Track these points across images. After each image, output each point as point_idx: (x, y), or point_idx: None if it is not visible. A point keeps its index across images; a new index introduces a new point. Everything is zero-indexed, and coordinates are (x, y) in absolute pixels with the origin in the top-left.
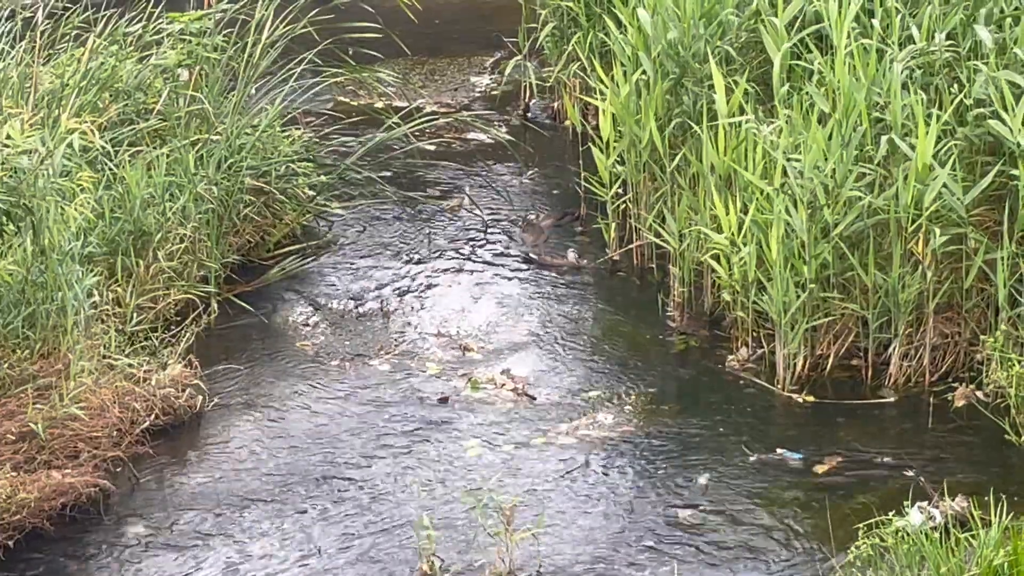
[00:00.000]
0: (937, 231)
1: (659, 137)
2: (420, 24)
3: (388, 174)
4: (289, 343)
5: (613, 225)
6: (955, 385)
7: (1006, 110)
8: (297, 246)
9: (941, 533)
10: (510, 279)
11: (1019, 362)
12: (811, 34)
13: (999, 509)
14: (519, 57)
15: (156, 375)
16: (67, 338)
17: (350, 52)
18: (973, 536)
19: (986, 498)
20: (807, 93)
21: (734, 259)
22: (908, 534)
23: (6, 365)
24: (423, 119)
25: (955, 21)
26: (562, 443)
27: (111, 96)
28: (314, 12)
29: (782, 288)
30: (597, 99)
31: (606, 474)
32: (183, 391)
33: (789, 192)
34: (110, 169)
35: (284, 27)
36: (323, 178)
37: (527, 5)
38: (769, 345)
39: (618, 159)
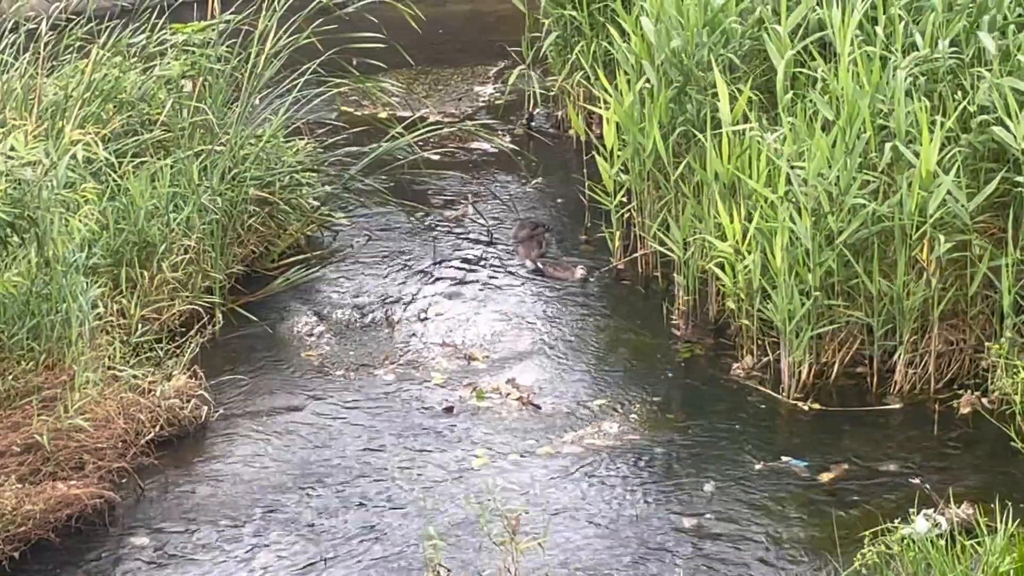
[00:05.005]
0: (941, 238)
1: (663, 145)
2: (424, 34)
3: (392, 184)
4: (294, 353)
5: (617, 234)
6: (960, 392)
7: (1010, 117)
8: (302, 256)
9: (947, 540)
10: (514, 288)
11: None
12: (815, 42)
13: (1005, 516)
14: (523, 66)
15: (161, 386)
16: (72, 349)
17: (354, 62)
18: (979, 543)
19: (992, 505)
20: (811, 101)
21: (738, 267)
22: (914, 541)
23: (11, 377)
24: (427, 129)
25: (958, 28)
26: (567, 452)
27: (115, 107)
28: (318, 22)
29: (787, 296)
30: (601, 108)
31: (612, 483)
32: (188, 402)
33: (793, 200)
34: (114, 180)
35: (288, 38)
36: (327, 188)
37: (531, 15)
38: (774, 353)
39: (622, 168)
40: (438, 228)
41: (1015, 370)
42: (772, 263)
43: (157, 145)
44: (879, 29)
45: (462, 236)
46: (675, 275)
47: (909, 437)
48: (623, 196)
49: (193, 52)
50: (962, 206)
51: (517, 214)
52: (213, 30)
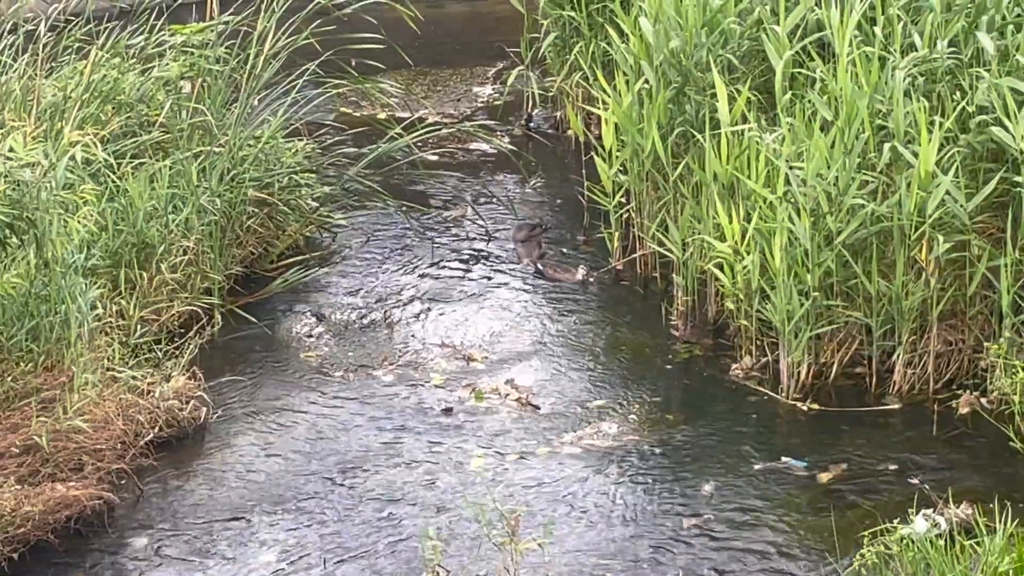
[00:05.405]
0: (940, 238)
1: (662, 146)
2: (423, 35)
3: (391, 185)
4: (293, 354)
5: (616, 234)
6: (959, 392)
7: (1008, 117)
8: (300, 257)
9: (946, 540)
10: (513, 289)
11: (1023, 369)
12: (813, 42)
13: (1004, 516)
14: (521, 67)
15: (160, 387)
16: (71, 351)
17: (353, 63)
18: (978, 543)
19: (991, 505)
20: (809, 101)
21: (737, 268)
22: (913, 541)
23: (10, 378)
24: (426, 130)
25: (957, 28)
26: (567, 453)
27: (114, 108)
28: (316, 23)
29: (786, 296)
30: (600, 108)
31: (611, 484)
32: (187, 403)
33: (792, 200)
34: (113, 181)
35: (286, 39)
36: (326, 189)
37: (529, 15)
38: (773, 353)
39: (621, 168)
40: (437, 229)
41: (1014, 370)
42: (771, 263)
43: (156, 146)
44: (878, 29)
45: (461, 237)
46: (674, 276)
47: (908, 437)
48: (622, 197)
49: (192, 53)
50: (961, 206)
51: (516, 215)
52: (212, 31)
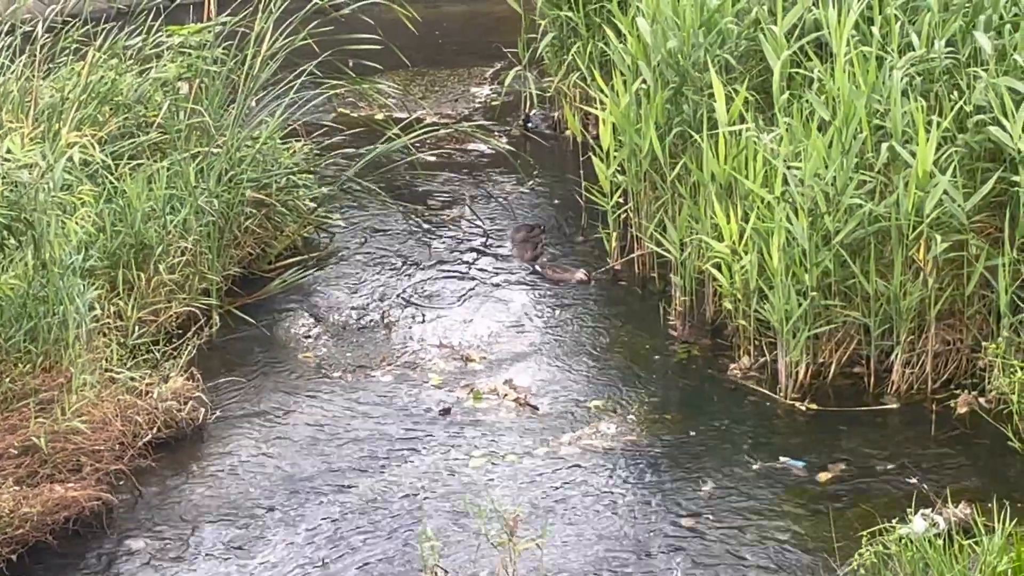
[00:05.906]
0: (938, 238)
1: (659, 146)
2: (420, 35)
3: (389, 185)
4: (291, 355)
5: (614, 235)
6: (957, 392)
7: (1006, 116)
8: (298, 258)
9: (944, 540)
10: (511, 289)
11: (1021, 368)
12: (811, 42)
13: (1002, 515)
14: (519, 68)
15: (158, 388)
16: (69, 352)
17: (350, 64)
18: (977, 543)
19: (989, 505)
20: (807, 101)
21: (735, 267)
22: (911, 541)
23: (8, 379)
24: (424, 130)
25: (954, 28)
26: (565, 453)
27: (111, 109)
28: (314, 24)
29: (784, 296)
30: (597, 109)
31: (609, 484)
32: (185, 404)
33: (790, 200)
34: (111, 182)
35: (284, 39)
36: (324, 190)
37: (527, 16)
38: (771, 353)
39: (619, 168)
40: (435, 229)
41: (1012, 370)
42: (769, 263)
43: (154, 147)
44: (875, 29)
45: (459, 237)
46: (672, 276)
47: (906, 437)
48: (620, 197)
49: (189, 54)
50: (959, 206)
51: (514, 215)
52: (209, 32)
